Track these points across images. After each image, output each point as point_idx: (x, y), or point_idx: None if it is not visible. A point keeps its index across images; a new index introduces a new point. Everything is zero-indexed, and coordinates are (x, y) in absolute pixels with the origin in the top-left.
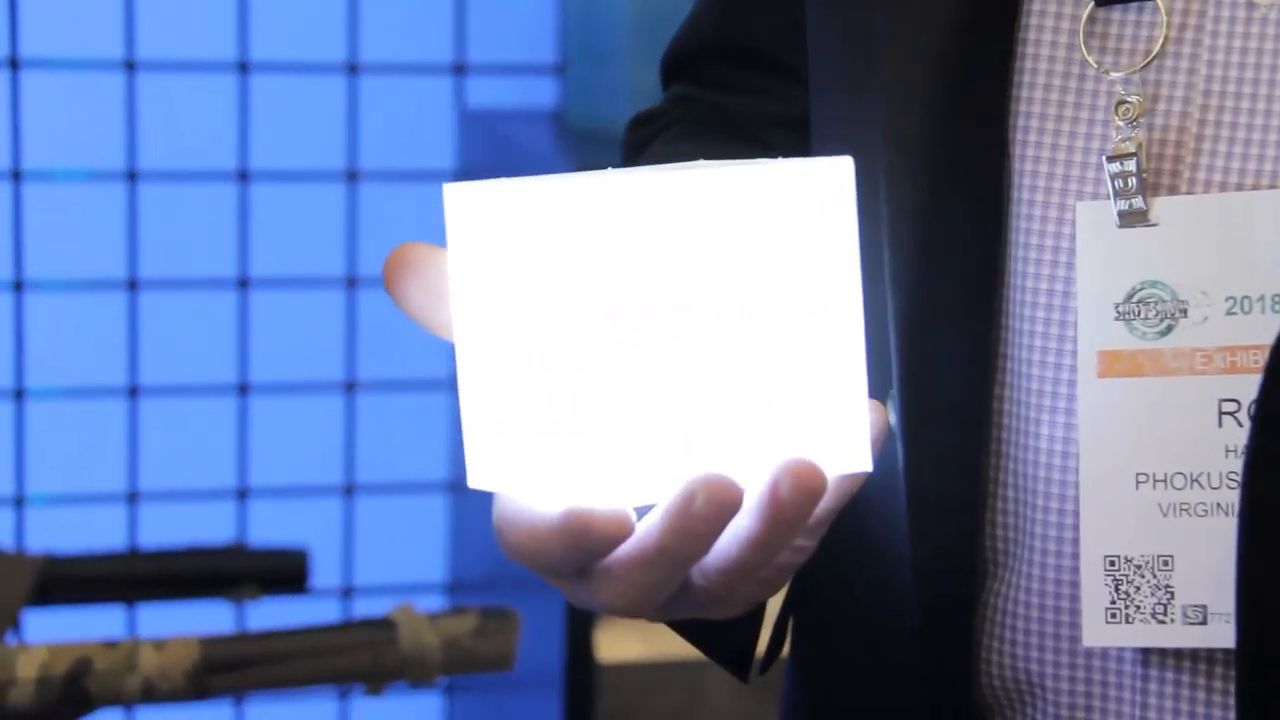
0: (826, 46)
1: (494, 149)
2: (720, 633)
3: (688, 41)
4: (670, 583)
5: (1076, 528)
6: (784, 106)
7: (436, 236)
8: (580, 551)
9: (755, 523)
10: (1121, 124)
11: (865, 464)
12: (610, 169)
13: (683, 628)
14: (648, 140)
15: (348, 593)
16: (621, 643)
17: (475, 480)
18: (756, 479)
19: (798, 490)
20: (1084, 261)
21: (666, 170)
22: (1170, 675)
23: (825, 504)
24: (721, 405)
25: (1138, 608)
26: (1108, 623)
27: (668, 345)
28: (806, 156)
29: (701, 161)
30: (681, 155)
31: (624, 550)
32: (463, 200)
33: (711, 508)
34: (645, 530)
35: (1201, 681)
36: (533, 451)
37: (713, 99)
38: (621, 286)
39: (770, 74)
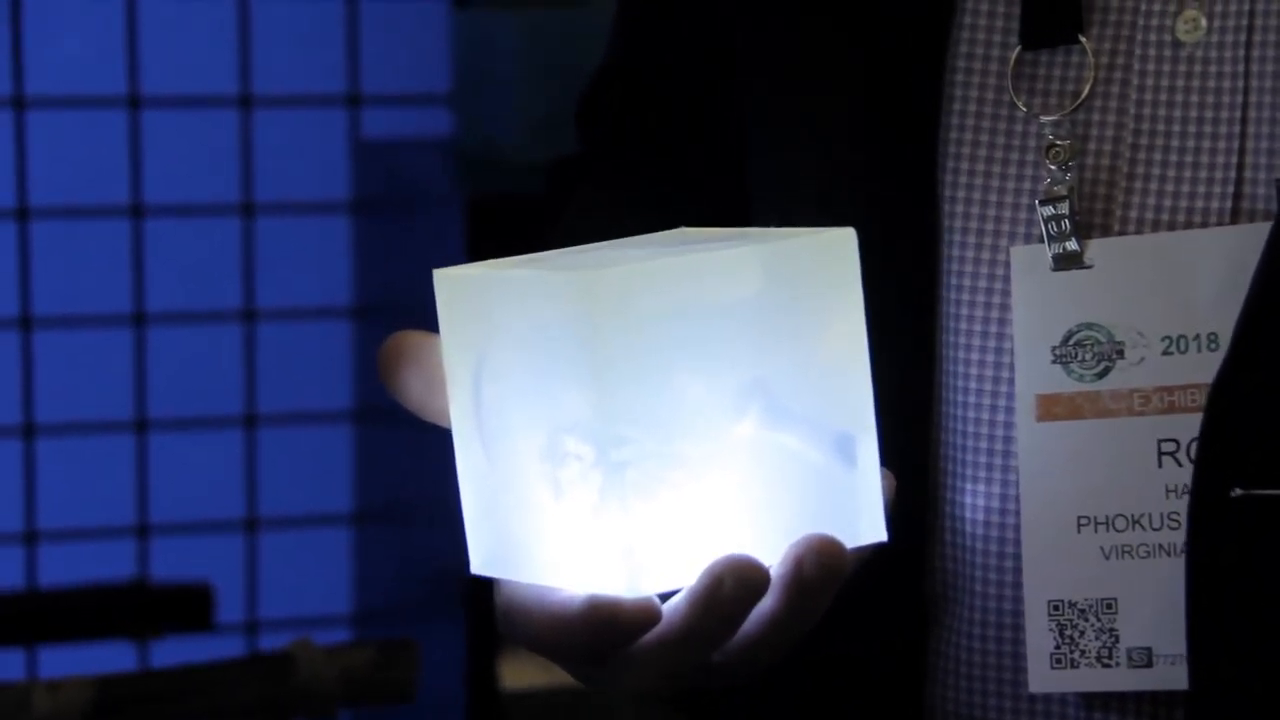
0: (759, 90)
1: (389, 179)
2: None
3: (599, 89)
4: (694, 664)
5: (1018, 571)
6: (701, 151)
7: (333, 269)
8: (606, 641)
9: (779, 602)
10: (1053, 167)
11: (880, 534)
12: (600, 243)
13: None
14: (570, 185)
15: (252, 628)
16: (524, 671)
17: (479, 567)
18: (777, 557)
19: (821, 567)
20: (1020, 305)
21: (664, 250)
22: (1115, 719)
23: None
24: (736, 484)
25: (1082, 652)
26: (1053, 668)
27: (678, 427)
28: (738, 201)
29: (682, 230)
30: (604, 210)
31: (650, 637)
32: (453, 285)
33: (740, 590)
34: (671, 615)
35: None
36: (543, 539)
37: (627, 144)
38: (627, 369)
39: (683, 117)
